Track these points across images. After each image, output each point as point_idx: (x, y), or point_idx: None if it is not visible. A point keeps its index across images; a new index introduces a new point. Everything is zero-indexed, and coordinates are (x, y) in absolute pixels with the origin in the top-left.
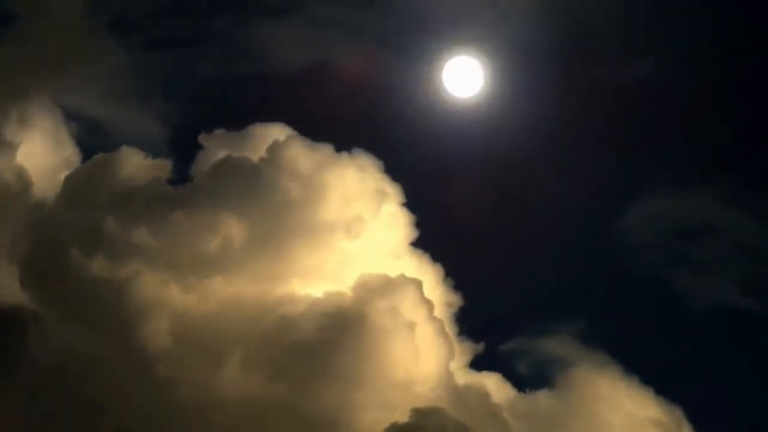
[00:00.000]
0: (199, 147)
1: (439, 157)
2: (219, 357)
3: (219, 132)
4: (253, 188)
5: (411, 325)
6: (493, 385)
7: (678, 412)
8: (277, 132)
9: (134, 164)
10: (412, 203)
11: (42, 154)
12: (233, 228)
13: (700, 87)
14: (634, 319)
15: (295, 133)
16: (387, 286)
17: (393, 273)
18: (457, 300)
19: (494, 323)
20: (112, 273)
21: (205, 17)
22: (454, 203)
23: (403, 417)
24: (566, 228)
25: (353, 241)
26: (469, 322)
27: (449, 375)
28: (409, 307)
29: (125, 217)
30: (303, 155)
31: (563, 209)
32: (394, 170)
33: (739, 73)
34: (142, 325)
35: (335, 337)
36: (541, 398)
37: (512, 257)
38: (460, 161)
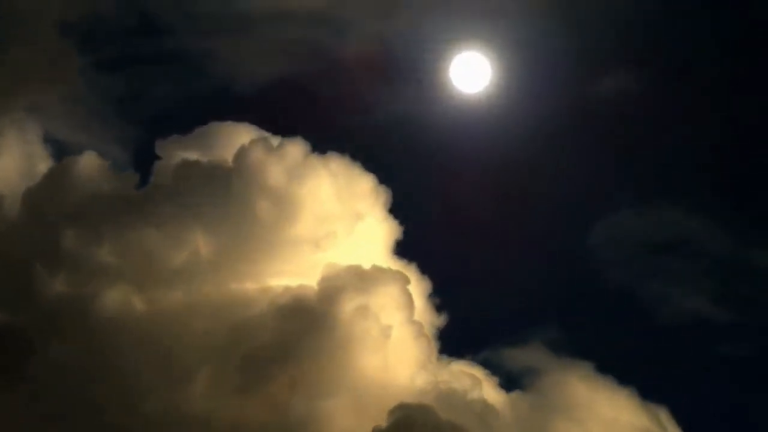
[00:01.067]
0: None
1: (435, 155)
2: (186, 371)
3: (175, 137)
4: (219, 194)
5: (387, 326)
6: (474, 382)
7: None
8: (245, 133)
9: (96, 174)
10: (398, 207)
11: (6, 171)
12: (198, 237)
13: (669, 101)
14: (606, 329)
15: (266, 134)
16: (359, 280)
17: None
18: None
19: (466, 336)
20: (76, 289)
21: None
22: (441, 208)
23: (380, 420)
24: (539, 240)
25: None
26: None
27: (429, 374)
28: (384, 304)
29: (86, 231)
30: (274, 159)
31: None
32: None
33: (707, 88)
34: (107, 341)
35: (301, 339)
36: (522, 399)
37: (488, 266)
38: (458, 160)
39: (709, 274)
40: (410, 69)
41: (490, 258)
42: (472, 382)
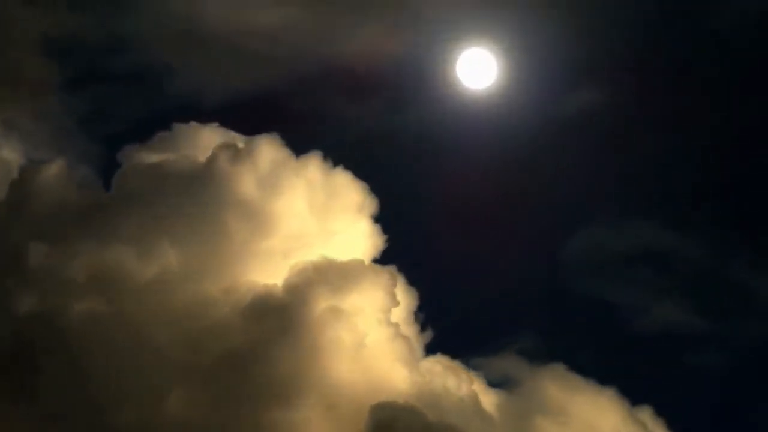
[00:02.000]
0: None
1: (432, 157)
2: (158, 381)
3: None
4: (188, 199)
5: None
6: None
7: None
8: (212, 136)
9: (60, 183)
10: (385, 214)
11: None
12: (165, 244)
13: (640, 115)
14: (580, 338)
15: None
16: (334, 278)
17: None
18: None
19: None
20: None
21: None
22: (429, 215)
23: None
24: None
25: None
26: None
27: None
28: (361, 303)
29: (52, 244)
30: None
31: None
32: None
33: (679, 102)
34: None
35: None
36: (509, 399)
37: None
38: (455, 161)
39: (683, 285)
40: (417, 67)
41: (466, 268)
42: (459, 379)
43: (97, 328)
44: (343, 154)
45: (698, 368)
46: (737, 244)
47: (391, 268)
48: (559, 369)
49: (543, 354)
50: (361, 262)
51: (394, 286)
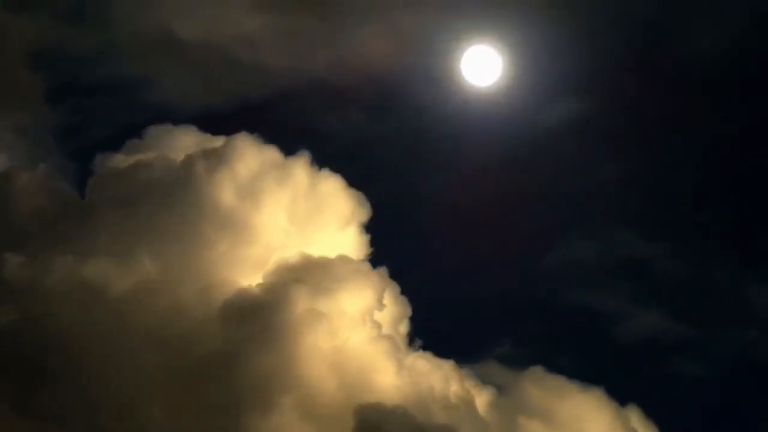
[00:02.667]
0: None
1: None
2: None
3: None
4: (167, 202)
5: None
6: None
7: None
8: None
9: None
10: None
11: None
12: (143, 252)
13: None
14: (562, 345)
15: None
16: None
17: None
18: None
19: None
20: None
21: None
22: (420, 220)
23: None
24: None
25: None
26: None
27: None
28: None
29: (27, 254)
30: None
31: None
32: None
33: (678, 103)
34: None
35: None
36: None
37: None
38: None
39: (664, 294)
40: (422, 63)
41: (453, 274)
42: (449, 378)
43: (75, 337)
44: (334, 156)
45: (680, 375)
46: (717, 253)
47: (381, 271)
48: (539, 372)
49: (525, 359)
50: (347, 259)
51: (382, 287)
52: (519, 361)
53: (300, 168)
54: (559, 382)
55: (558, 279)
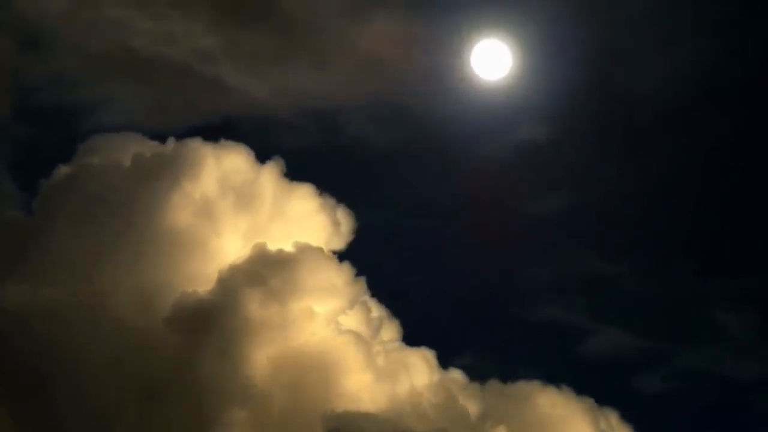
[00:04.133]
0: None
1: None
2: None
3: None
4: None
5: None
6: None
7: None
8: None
9: None
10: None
11: None
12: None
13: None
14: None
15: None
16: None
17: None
18: None
19: None
20: None
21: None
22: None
23: None
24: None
25: None
26: None
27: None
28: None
29: None
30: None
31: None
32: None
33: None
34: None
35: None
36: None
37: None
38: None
39: (626, 312)
40: (431, 57)
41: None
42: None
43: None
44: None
45: (641, 390)
46: (679, 271)
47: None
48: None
49: (491, 372)
50: (313, 256)
51: (354, 289)
52: (484, 374)
53: (266, 175)
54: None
55: (522, 294)
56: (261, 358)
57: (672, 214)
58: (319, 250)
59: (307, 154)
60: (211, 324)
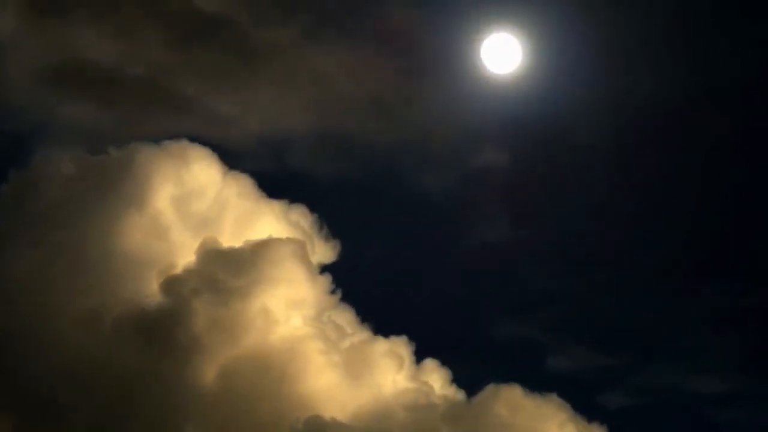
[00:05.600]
0: None
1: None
2: None
3: None
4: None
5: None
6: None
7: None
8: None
9: None
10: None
11: None
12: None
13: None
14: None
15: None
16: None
17: None
18: None
19: None
20: None
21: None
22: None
23: None
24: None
25: None
26: None
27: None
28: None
29: None
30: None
31: None
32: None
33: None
34: None
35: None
36: None
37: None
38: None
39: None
40: (441, 51)
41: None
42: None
43: None
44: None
45: (606, 408)
46: (640, 288)
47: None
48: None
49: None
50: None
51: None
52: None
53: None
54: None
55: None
56: (213, 366)
57: (672, 214)
58: (274, 242)
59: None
60: (157, 335)
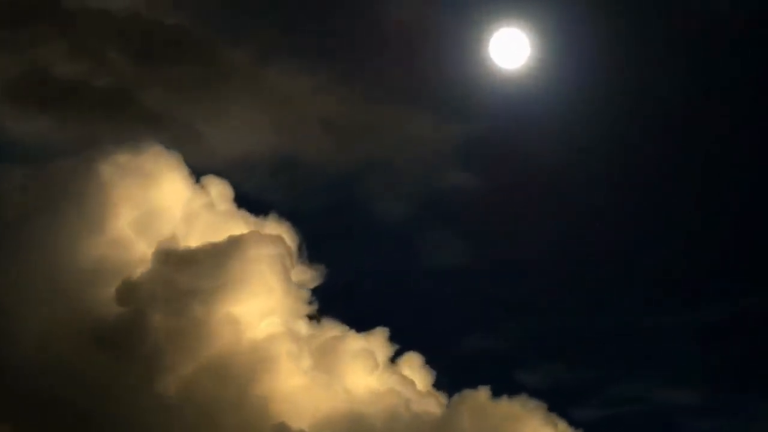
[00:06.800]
0: None
1: None
2: None
3: None
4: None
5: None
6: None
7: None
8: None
9: None
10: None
11: None
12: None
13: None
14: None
15: None
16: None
17: None
18: None
19: None
20: None
21: None
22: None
23: None
24: None
25: None
26: None
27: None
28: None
29: None
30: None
31: None
32: None
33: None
34: None
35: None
36: None
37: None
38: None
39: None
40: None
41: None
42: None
43: None
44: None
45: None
46: (613, 299)
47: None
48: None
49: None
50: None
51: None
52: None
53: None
54: None
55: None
56: (174, 375)
57: (672, 214)
58: (235, 241)
59: None
60: (116, 347)
